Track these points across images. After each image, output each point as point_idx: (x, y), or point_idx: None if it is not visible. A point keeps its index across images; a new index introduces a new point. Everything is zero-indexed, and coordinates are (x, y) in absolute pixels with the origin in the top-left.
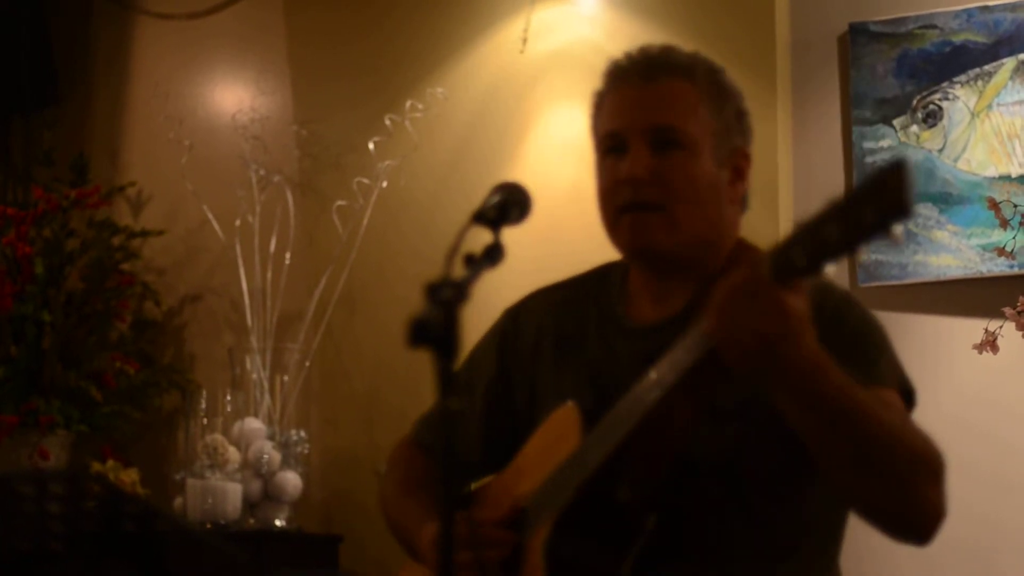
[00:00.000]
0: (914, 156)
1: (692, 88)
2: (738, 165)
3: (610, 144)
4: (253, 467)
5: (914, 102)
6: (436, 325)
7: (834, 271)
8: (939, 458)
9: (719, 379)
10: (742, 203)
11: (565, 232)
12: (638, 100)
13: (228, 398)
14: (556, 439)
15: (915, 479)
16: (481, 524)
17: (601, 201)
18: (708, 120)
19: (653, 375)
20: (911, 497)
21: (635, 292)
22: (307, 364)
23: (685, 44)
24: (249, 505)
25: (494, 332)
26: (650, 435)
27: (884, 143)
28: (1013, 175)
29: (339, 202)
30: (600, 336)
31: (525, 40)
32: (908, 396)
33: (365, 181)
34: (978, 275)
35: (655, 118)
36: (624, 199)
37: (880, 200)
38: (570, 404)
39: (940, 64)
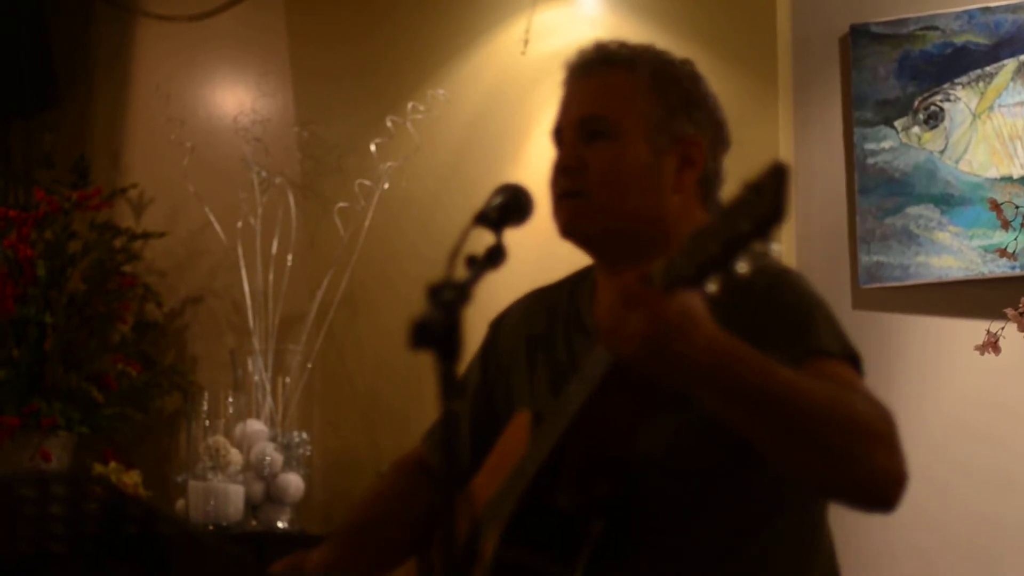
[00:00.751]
0: (915, 157)
1: (630, 77)
2: (686, 153)
3: (555, 139)
4: (255, 469)
5: (915, 103)
6: (438, 327)
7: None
8: (886, 420)
9: (637, 383)
10: (699, 191)
11: None
12: (575, 95)
13: (230, 400)
14: (512, 448)
15: (860, 446)
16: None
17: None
18: (645, 110)
19: (573, 385)
20: (859, 465)
21: (601, 291)
22: (309, 366)
23: (686, 45)
24: (251, 507)
25: (482, 342)
26: (581, 441)
27: (885, 144)
28: (1015, 176)
29: (341, 204)
30: (565, 337)
31: (526, 41)
32: (855, 362)
33: (367, 183)
34: (980, 276)
35: (585, 109)
36: (558, 188)
37: (755, 207)
38: (523, 412)
39: (941, 65)
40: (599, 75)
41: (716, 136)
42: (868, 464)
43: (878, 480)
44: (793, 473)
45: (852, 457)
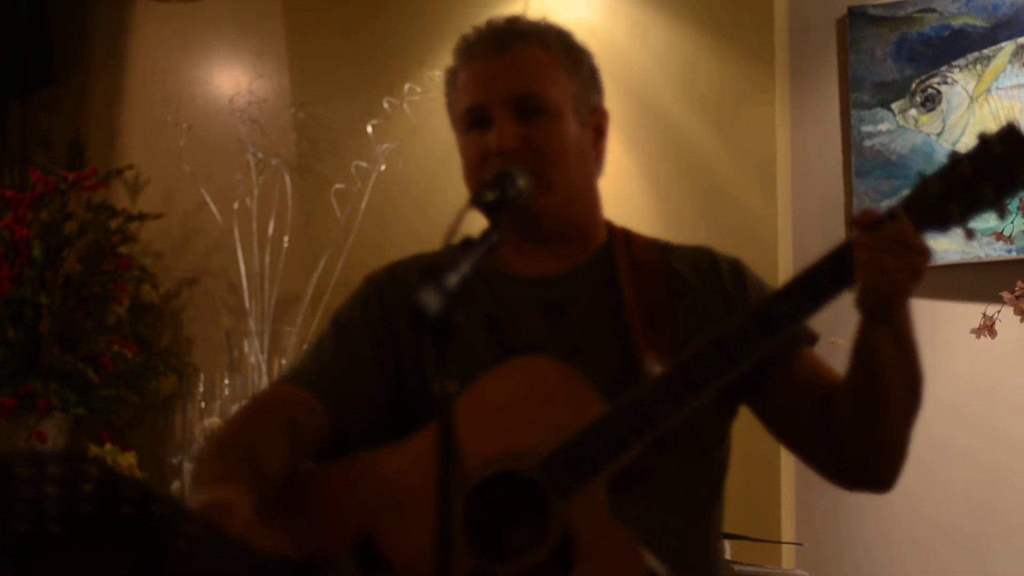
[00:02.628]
0: (912, 140)
1: (545, 54)
2: (598, 124)
3: (472, 119)
4: None
5: (913, 86)
6: (434, 309)
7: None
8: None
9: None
10: (600, 163)
11: None
12: (495, 71)
13: (226, 381)
14: (542, 391)
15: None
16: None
17: (469, 175)
18: (566, 83)
19: (745, 321)
20: (908, 439)
21: (507, 252)
22: (305, 347)
23: (684, 26)
24: None
25: (368, 297)
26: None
27: (882, 127)
28: None
29: (337, 185)
30: (487, 288)
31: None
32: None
33: (363, 164)
34: (976, 260)
35: (515, 86)
36: (495, 170)
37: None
38: (544, 357)
39: (939, 48)
40: (516, 51)
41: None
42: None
43: (905, 458)
44: (880, 427)
45: (907, 435)
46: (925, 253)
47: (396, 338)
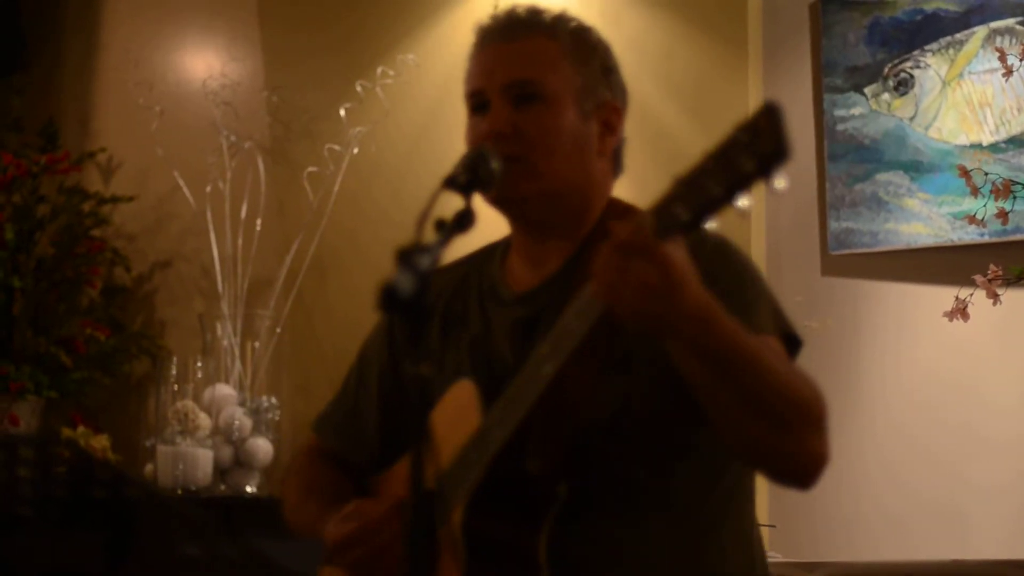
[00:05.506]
0: (885, 124)
1: (553, 44)
2: (607, 119)
3: (475, 103)
4: (224, 433)
5: (885, 70)
6: (406, 290)
7: (804, 239)
8: (822, 405)
9: (612, 339)
10: (613, 159)
11: None
12: (498, 58)
13: (199, 364)
14: (454, 419)
15: (800, 426)
16: (367, 515)
17: None
18: (571, 74)
19: (545, 348)
20: (796, 444)
21: (515, 261)
22: (278, 330)
23: (658, 11)
24: (220, 471)
25: (381, 322)
26: (551, 405)
27: (855, 111)
28: (984, 143)
29: (310, 168)
30: (480, 310)
31: (496, 6)
32: (791, 341)
33: (336, 147)
34: (949, 243)
35: (513, 73)
36: (467, 153)
37: (757, 146)
38: (465, 382)
39: (911, 32)
40: (522, 40)
41: (624, 104)
42: (806, 444)
43: (811, 461)
44: (736, 440)
45: (794, 434)
46: (653, 259)
47: (395, 357)
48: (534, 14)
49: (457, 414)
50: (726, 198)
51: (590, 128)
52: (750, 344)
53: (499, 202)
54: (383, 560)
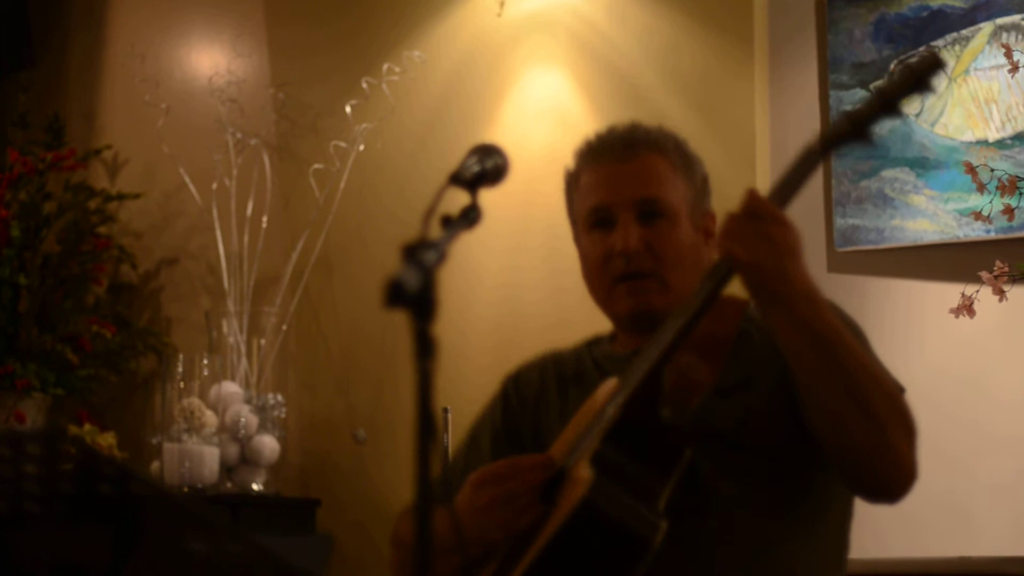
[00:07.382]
0: (890, 120)
1: (665, 160)
2: (708, 227)
3: (596, 219)
4: (230, 431)
5: (891, 66)
6: (412, 286)
7: (810, 235)
8: (911, 412)
9: (735, 363)
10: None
11: (541, 194)
12: (620, 176)
13: (205, 362)
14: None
15: (895, 428)
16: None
17: (593, 272)
18: (684, 189)
19: (676, 310)
20: (890, 445)
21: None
22: (284, 328)
23: (665, 7)
24: (226, 469)
25: (497, 395)
26: (679, 364)
27: None
28: (990, 139)
29: (316, 165)
30: (599, 373)
31: (502, 3)
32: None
33: (342, 144)
34: (955, 240)
35: (639, 191)
36: (619, 269)
37: (915, 68)
38: (610, 379)
39: (917, 28)
40: (639, 157)
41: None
42: (899, 448)
43: (903, 468)
44: (830, 433)
45: (889, 435)
46: (778, 221)
47: (513, 422)
48: (641, 131)
49: (595, 407)
50: (889, 108)
51: (699, 238)
52: (848, 335)
53: (633, 317)
54: (513, 505)
